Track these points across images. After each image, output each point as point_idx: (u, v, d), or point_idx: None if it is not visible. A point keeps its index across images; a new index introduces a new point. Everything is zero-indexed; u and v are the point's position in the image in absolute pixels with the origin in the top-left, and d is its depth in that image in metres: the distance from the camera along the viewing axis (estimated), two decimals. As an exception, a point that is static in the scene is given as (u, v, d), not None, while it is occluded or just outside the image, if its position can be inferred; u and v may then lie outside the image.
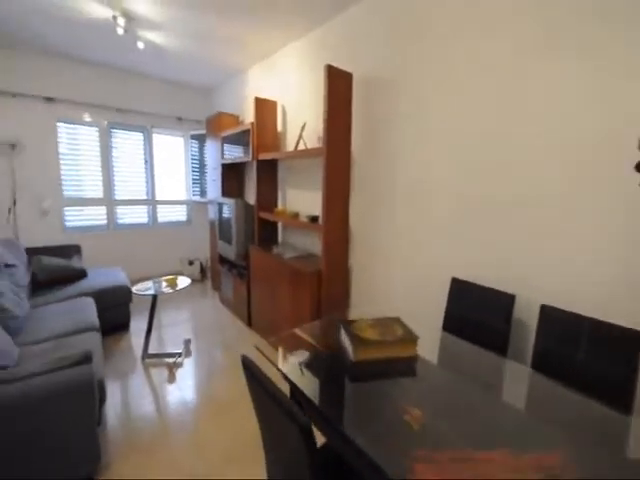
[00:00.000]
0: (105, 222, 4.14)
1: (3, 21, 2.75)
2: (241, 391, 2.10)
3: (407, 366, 1.21)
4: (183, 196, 4.79)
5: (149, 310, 2.46)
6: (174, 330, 3.09)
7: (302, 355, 1.29)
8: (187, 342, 2.57)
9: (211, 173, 3.95)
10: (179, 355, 2.41)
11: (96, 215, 4.12)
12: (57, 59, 3.58)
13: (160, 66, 3.75)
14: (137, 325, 3.06)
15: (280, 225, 3.18)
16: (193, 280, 4.45)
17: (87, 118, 3.83)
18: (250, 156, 2.93)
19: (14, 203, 3.24)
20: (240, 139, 3.27)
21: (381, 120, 2.13)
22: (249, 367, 0.91)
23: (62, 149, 3.78)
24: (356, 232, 2.32)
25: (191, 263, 4.39)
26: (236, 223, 3.06)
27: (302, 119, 2.74)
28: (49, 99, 3.54)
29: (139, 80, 4.12)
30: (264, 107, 2.92)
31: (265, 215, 2.88)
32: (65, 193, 3.85)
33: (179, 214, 4.80)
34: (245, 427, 1.80)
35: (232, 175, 3.73)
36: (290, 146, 2.98)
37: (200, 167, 4.71)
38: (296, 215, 2.62)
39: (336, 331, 1.40)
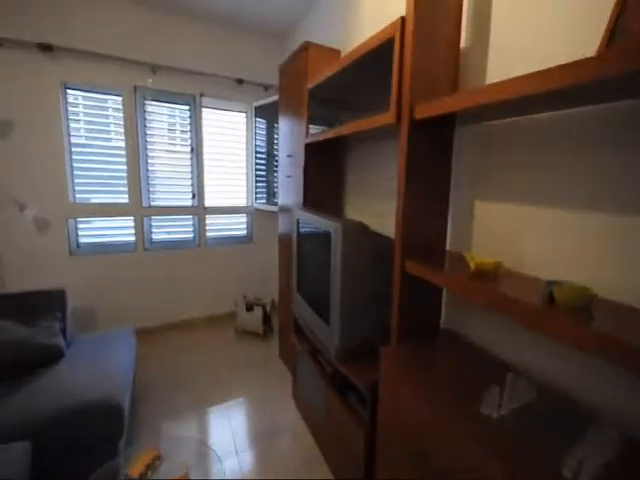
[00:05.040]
0: (133, 239, 2.79)
1: None
2: None
3: None
4: (242, 201, 3.25)
5: None
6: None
7: None
8: None
9: (285, 166, 2.27)
10: None
11: (121, 229, 2.79)
12: (62, -14, 2.25)
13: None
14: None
15: (445, 295, 1.31)
16: (252, 333, 2.89)
17: (106, 79, 2.47)
18: (392, 113, 1.11)
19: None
20: (352, 86, 1.47)
21: None
22: None
23: (73, 131, 2.49)
24: None
25: (250, 308, 2.81)
26: (343, 280, 1.29)
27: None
28: (46, 48, 2.23)
29: (184, 22, 2.64)
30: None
31: (438, 279, 1.03)
32: (77, 197, 2.57)
33: (236, 227, 3.29)
34: None
35: (321, 168, 1.98)
36: (490, 79, 1.10)
37: (267, 158, 3.10)
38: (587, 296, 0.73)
39: None
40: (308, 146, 1.88)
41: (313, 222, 1.54)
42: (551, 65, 0.68)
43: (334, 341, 1.37)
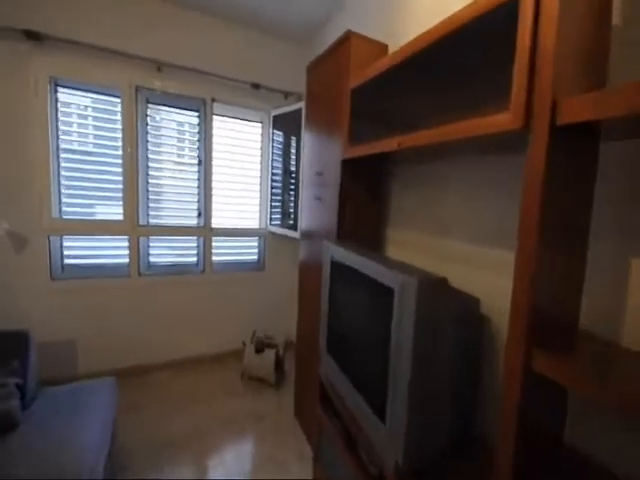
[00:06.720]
0: (126, 260, 2.38)
1: None
2: None
3: None
4: (254, 222, 2.84)
5: None
6: None
7: None
8: None
9: (312, 186, 1.86)
10: None
11: (112, 249, 2.39)
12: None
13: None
14: None
15: (570, 401, 0.87)
16: (262, 380, 2.42)
17: (103, 77, 2.12)
18: (517, 113, 0.70)
19: None
20: (418, 82, 1.07)
21: None
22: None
23: (63, 135, 2.13)
24: None
25: (260, 349, 2.35)
26: (415, 363, 0.85)
27: None
28: (34, 36, 1.89)
29: (196, 16, 2.31)
30: None
31: None
32: (65, 210, 2.18)
33: (246, 252, 2.87)
34: None
35: (360, 190, 1.57)
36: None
37: (283, 175, 2.72)
38: None
39: None
40: (346, 163, 1.48)
41: (361, 267, 1.11)
42: None
43: (395, 450, 0.91)
